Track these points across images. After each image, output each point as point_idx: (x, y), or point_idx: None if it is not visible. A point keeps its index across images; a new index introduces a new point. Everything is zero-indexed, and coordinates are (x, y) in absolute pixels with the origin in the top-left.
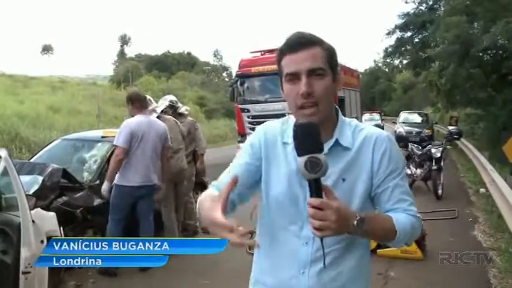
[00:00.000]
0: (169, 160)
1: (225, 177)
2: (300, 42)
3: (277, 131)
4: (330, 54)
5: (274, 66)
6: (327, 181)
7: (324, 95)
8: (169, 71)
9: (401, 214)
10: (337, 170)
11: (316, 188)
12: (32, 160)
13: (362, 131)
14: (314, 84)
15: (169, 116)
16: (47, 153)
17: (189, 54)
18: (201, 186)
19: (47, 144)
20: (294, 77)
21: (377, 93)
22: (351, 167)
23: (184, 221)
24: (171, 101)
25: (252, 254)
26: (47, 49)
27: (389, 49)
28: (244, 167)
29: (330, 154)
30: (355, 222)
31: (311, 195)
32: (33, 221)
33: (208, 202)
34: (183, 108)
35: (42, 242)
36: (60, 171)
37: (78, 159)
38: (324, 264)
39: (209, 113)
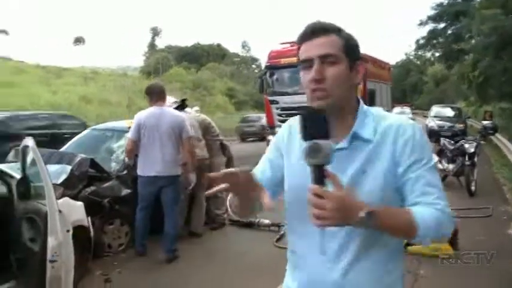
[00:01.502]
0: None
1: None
2: (314, 30)
3: None
4: (347, 42)
5: None
6: (347, 173)
7: (335, 82)
8: (199, 62)
9: (425, 208)
10: (358, 162)
11: (319, 175)
12: (63, 149)
13: (385, 121)
14: (325, 70)
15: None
16: (76, 143)
17: (218, 45)
18: None
19: (77, 134)
20: (307, 63)
21: (408, 86)
22: (372, 159)
23: (212, 212)
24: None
25: (279, 247)
26: (79, 40)
27: (421, 41)
28: (268, 164)
29: (350, 147)
30: (363, 214)
31: (314, 182)
32: (59, 211)
33: None
34: (193, 112)
35: (68, 231)
36: (88, 161)
37: (106, 149)
38: (324, 253)
39: (238, 105)
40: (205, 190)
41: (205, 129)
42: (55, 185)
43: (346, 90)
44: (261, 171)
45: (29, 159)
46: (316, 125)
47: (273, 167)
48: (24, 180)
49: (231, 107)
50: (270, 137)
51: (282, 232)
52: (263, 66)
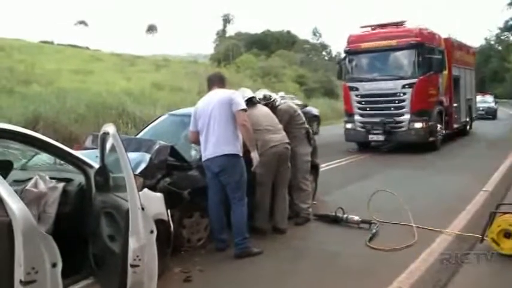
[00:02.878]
0: (271, 132)
1: None
2: None
3: None
4: None
5: (386, 42)
6: None
7: None
8: (269, 49)
9: None
10: None
11: None
12: (138, 136)
13: None
14: None
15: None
16: (153, 129)
17: (288, 32)
18: (314, 168)
19: (154, 120)
20: None
21: (487, 73)
22: None
23: (297, 205)
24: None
25: (373, 248)
26: (151, 29)
27: (510, 22)
28: None
29: None
30: None
31: None
32: (142, 208)
33: None
34: (279, 99)
35: (152, 232)
36: (168, 148)
37: (186, 136)
38: None
39: (308, 92)
40: (288, 181)
41: (291, 117)
42: (135, 176)
43: None
44: None
45: (107, 147)
46: None
47: None
48: (103, 170)
49: (301, 94)
50: (348, 125)
51: (373, 231)
52: (334, 53)
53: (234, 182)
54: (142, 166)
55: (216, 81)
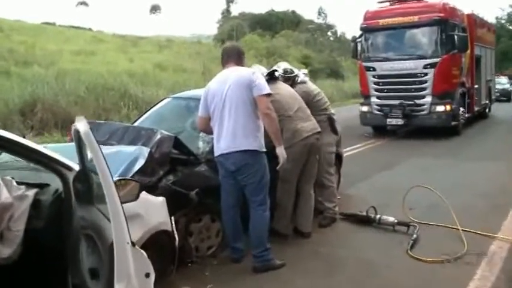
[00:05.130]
0: (302, 120)
1: None
2: None
3: None
4: None
5: (406, 18)
6: None
7: None
8: (273, 29)
9: None
10: None
11: None
12: (138, 121)
13: None
14: None
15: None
16: (155, 114)
17: (293, 12)
18: (338, 159)
19: (156, 103)
20: None
21: (498, 53)
22: None
23: (321, 204)
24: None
25: (414, 258)
26: (155, 9)
27: None
28: None
29: None
30: None
31: None
32: (133, 244)
33: None
34: (301, 76)
35: (147, 276)
36: (172, 140)
37: (192, 123)
38: None
39: (314, 73)
40: (315, 177)
41: (310, 97)
42: (127, 180)
43: None
44: None
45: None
46: None
47: None
48: (84, 175)
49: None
50: (364, 108)
51: (414, 236)
52: (339, 33)
53: (253, 183)
54: (141, 163)
55: (233, 57)
